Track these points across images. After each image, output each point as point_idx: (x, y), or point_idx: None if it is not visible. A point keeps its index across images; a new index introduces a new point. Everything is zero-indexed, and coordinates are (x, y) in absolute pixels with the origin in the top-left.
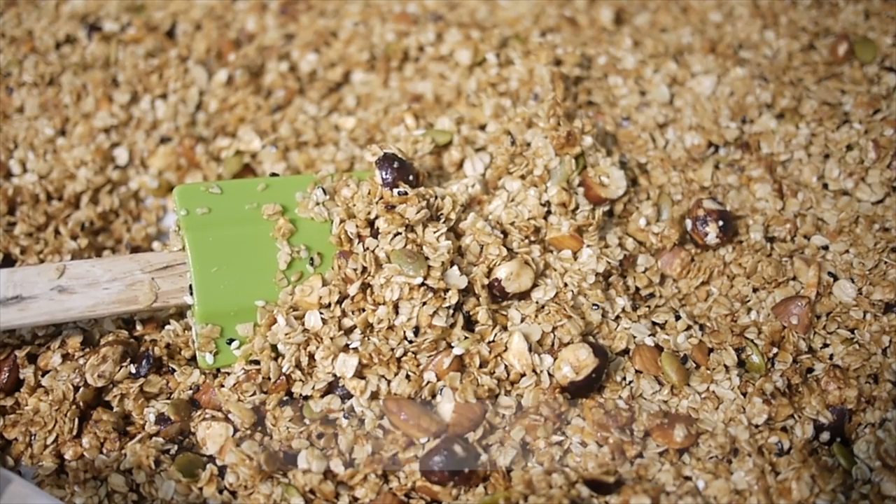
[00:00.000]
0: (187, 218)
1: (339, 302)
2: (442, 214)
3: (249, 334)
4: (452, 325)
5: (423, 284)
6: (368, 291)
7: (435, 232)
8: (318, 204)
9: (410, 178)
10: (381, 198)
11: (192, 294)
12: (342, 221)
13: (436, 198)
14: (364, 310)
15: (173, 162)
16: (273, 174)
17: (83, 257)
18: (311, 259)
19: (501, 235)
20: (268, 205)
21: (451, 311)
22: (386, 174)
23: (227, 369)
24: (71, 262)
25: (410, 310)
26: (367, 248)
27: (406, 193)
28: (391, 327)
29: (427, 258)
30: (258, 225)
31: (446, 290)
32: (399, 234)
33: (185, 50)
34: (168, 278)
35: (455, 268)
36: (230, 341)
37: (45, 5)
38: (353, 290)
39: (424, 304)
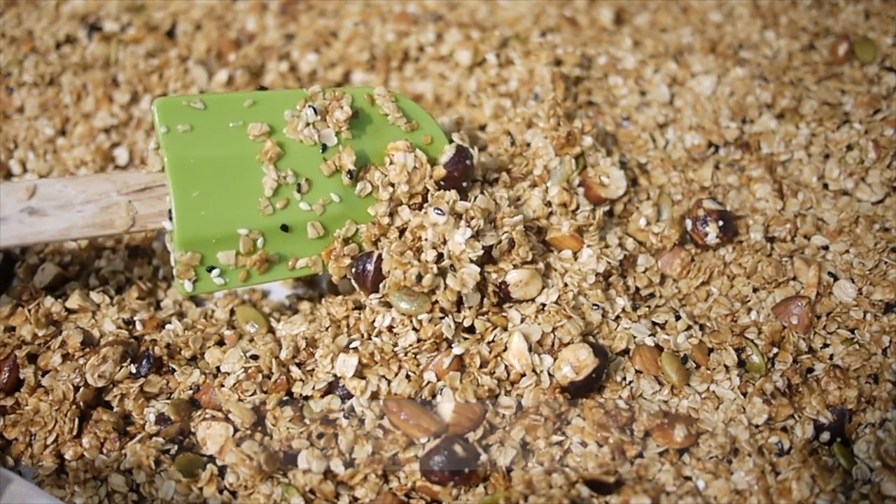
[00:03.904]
0: (168, 136)
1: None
2: (492, 232)
3: (231, 262)
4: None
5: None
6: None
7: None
8: (307, 125)
9: (465, 183)
10: (432, 189)
11: (171, 219)
12: (389, 200)
13: (494, 208)
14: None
15: None
16: (262, 87)
17: (81, 250)
18: (299, 185)
19: (534, 237)
20: (254, 124)
21: (456, 325)
22: (452, 168)
23: (227, 369)
24: (42, 181)
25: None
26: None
27: (442, 213)
28: (393, 333)
29: (435, 292)
30: (243, 146)
31: (458, 303)
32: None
33: (185, 50)
34: (146, 201)
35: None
36: (210, 269)
37: (45, 5)
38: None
39: (430, 320)
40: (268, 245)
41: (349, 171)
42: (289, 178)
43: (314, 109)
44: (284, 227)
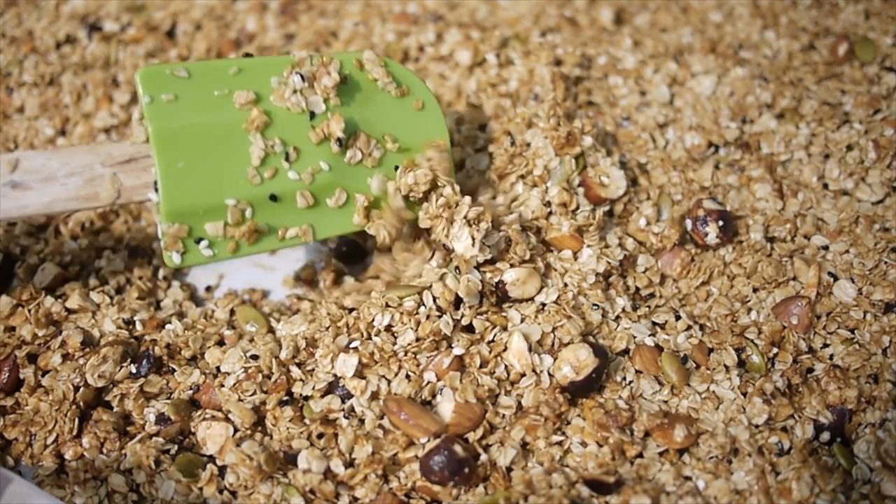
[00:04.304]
0: (152, 106)
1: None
2: (493, 233)
3: (219, 233)
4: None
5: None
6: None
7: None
8: (295, 92)
9: None
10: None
11: (157, 191)
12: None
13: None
14: (363, 333)
15: None
16: (247, 54)
17: (81, 250)
18: (287, 154)
19: (533, 237)
20: (240, 92)
21: (454, 323)
22: None
23: (227, 369)
24: (24, 153)
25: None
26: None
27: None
28: (392, 334)
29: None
30: (229, 114)
31: (457, 303)
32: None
33: (185, 50)
34: (131, 173)
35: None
36: (199, 240)
37: (45, 5)
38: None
39: (429, 317)
40: (256, 215)
41: (338, 139)
42: (276, 147)
43: (301, 76)
44: (273, 197)
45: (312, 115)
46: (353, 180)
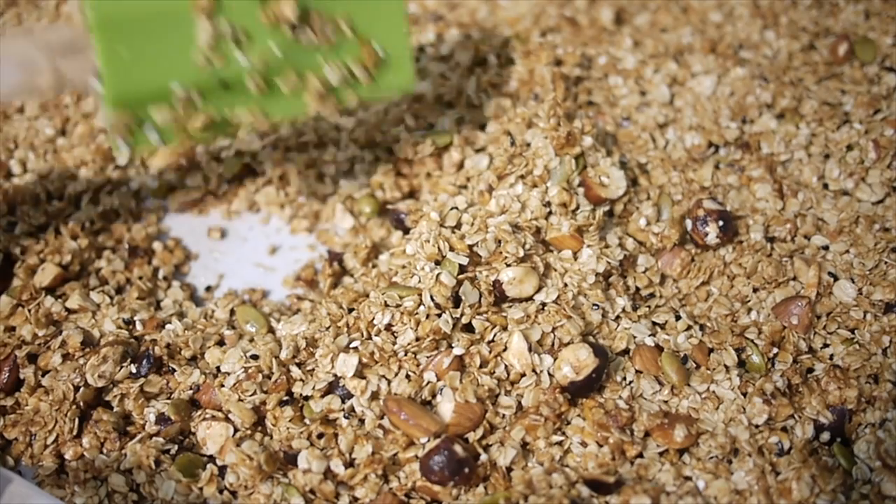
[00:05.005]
0: None
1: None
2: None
3: (168, 120)
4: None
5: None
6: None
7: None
8: None
9: None
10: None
11: (99, 77)
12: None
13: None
14: (363, 333)
15: (173, 162)
16: None
17: (81, 250)
18: (236, 38)
19: (530, 236)
20: None
21: (454, 321)
22: None
23: (227, 369)
24: None
25: (410, 330)
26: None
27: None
28: (392, 334)
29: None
30: None
31: (457, 302)
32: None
33: None
34: (72, 60)
35: (467, 283)
36: (147, 128)
37: (45, 5)
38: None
39: (428, 316)
40: (207, 102)
41: (290, 21)
42: (225, 32)
43: None
44: (223, 83)
45: None
46: (307, 63)
